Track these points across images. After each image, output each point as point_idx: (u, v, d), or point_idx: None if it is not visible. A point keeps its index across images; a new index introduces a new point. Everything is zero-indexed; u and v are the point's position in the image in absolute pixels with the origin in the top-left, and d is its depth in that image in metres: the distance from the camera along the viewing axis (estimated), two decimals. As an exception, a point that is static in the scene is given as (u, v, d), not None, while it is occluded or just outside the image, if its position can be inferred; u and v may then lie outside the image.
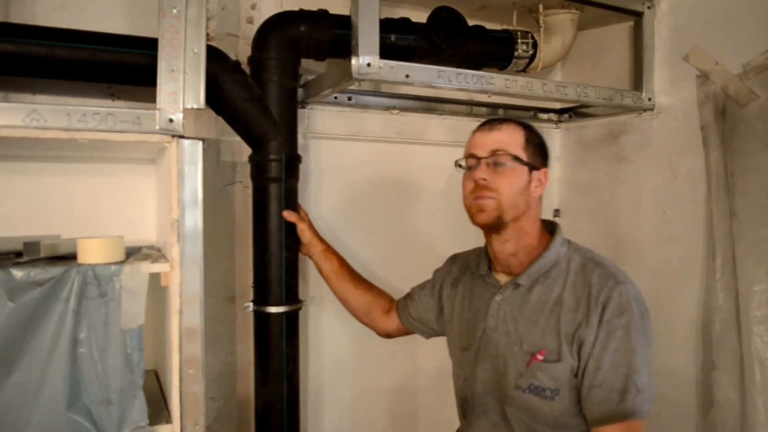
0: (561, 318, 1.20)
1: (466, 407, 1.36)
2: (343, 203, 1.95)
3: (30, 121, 1.11)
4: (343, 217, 1.94)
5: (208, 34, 1.68)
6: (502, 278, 1.33)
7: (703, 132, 1.71)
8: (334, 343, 1.95)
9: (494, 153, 1.23)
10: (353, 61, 1.42)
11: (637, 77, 1.90)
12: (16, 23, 1.36)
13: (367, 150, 1.98)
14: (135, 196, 1.60)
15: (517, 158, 1.23)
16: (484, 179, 1.22)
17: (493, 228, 1.25)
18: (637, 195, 1.95)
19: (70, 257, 1.26)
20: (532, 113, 2.23)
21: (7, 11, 1.46)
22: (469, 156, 1.28)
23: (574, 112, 2.20)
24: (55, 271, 1.14)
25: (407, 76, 1.49)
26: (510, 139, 1.25)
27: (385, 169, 2.02)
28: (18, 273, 1.12)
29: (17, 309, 1.12)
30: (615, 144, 2.04)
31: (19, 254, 1.27)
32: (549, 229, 1.34)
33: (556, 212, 2.28)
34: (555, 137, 2.29)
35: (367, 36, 1.42)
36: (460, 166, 1.32)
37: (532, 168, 1.26)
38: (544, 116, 2.26)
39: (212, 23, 1.71)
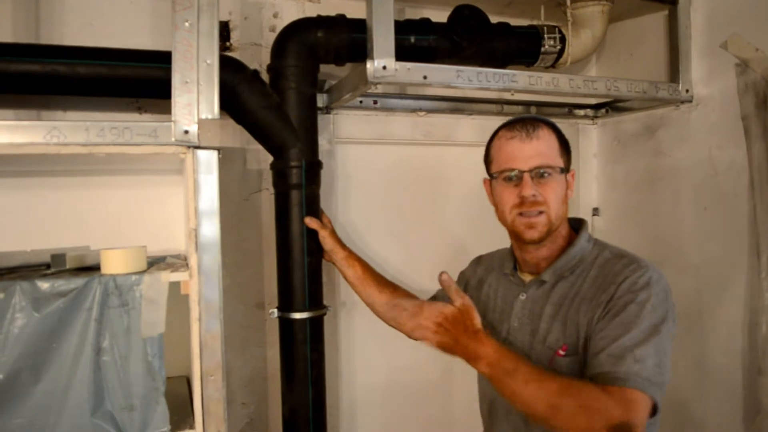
0: (580, 309, 1.16)
1: (492, 409, 1.33)
2: (371, 207, 1.94)
3: (51, 138, 1.16)
4: (372, 221, 1.94)
5: (231, 44, 1.72)
6: (527, 277, 1.31)
7: (744, 123, 1.62)
8: (366, 348, 1.94)
9: (538, 167, 1.19)
10: (368, 64, 1.41)
11: (674, 68, 1.82)
12: (37, 44, 1.42)
13: (394, 153, 1.97)
14: (164, 206, 1.64)
15: (561, 169, 1.22)
16: (534, 195, 1.19)
17: (539, 242, 1.22)
18: (676, 191, 1.87)
19: (96, 268, 1.30)
20: (566, 109, 2.17)
21: (38, 31, 1.52)
22: (507, 169, 1.23)
23: (611, 106, 2.13)
24: (78, 281, 1.18)
25: (425, 77, 1.47)
26: (549, 148, 1.22)
27: (414, 172, 2.00)
28: (43, 284, 1.17)
29: (42, 319, 1.16)
30: (653, 138, 1.95)
31: (49, 266, 1.33)
32: (575, 226, 1.31)
33: (595, 211, 2.21)
34: (592, 134, 2.22)
35: (382, 38, 1.42)
36: (493, 177, 1.28)
37: (567, 172, 1.25)
38: (581, 112, 2.20)
39: (235, 33, 1.74)
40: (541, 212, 1.19)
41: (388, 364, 1.98)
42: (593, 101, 2.17)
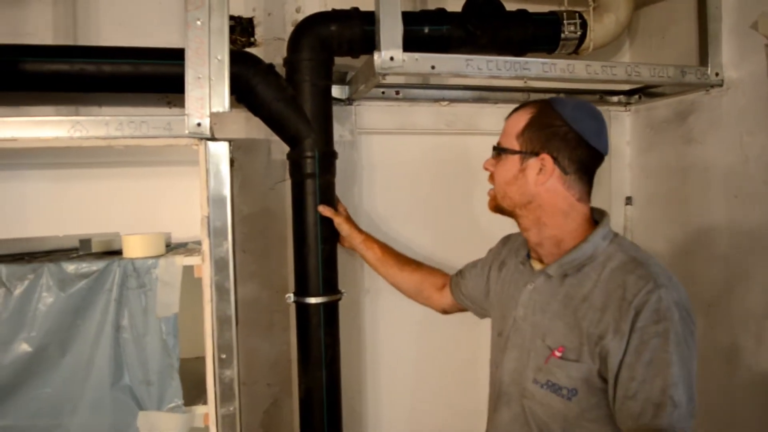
0: (586, 316, 1.13)
1: (499, 394, 1.33)
2: (395, 197, 1.97)
3: (74, 132, 1.25)
4: (396, 211, 1.97)
5: (255, 40, 1.79)
6: (537, 266, 1.28)
7: (775, 107, 1.56)
8: (392, 335, 1.98)
9: (495, 146, 1.26)
10: (376, 56, 1.44)
11: (703, 51, 1.75)
12: (66, 45, 1.53)
13: (417, 143, 1.99)
14: (192, 195, 1.72)
15: (511, 150, 1.20)
16: (488, 169, 1.27)
17: (504, 214, 1.27)
18: (707, 178, 1.80)
19: (120, 252, 1.40)
20: (598, 96, 2.13)
21: (75, 33, 1.64)
22: None
23: (643, 92, 2.07)
24: (99, 264, 1.28)
25: (433, 67, 1.49)
26: (512, 128, 1.22)
27: (438, 162, 2.01)
28: (69, 266, 1.27)
29: (68, 298, 1.27)
30: (684, 125, 1.89)
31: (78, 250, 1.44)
32: (598, 219, 1.24)
33: (628, 200, 2.16)
34: (625, 121, 2.17)
35: (389, 30, 1.44)
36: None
37: (528, 155, 1.18)
38: (613, 99, 2.15)
39: (259, 29, 1.81)
40: (492, 188, 1.27)
41: (415, 352, 2.01)
42: (626, 87, 2.11)
